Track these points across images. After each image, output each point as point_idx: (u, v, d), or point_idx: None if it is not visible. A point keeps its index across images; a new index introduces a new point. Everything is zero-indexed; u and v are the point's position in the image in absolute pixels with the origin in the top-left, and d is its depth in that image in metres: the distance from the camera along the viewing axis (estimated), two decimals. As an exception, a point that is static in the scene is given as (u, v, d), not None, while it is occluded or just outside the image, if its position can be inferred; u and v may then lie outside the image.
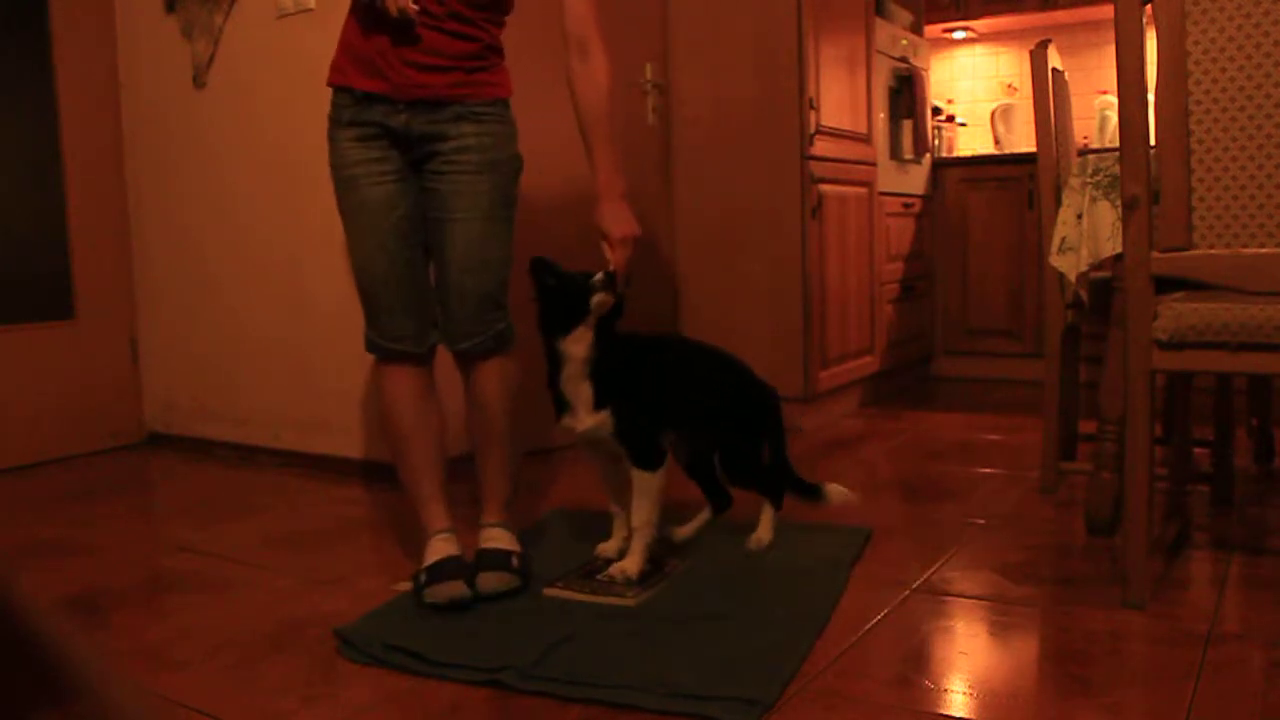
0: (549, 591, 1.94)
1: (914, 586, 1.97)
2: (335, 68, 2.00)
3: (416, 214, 2.00)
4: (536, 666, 1.61)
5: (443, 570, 1.92)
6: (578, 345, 1.95)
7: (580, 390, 1.98)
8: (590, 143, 2.01)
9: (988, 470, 2.90)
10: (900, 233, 4.27)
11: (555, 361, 1.98)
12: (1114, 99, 3.35)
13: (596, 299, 1.91)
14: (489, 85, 2.02)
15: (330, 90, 2.01)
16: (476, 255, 1.99)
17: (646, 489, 2.01)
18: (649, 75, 3.58)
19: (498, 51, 2.05)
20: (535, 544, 2.21)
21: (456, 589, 1.89)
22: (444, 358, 2.09)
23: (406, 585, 2.00)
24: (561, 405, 2.01)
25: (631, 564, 2.00)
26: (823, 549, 2.17)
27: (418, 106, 1.94)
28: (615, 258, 1.96)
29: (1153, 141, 1.76)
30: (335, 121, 1.99)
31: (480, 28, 1.99)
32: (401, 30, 1.90)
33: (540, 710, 1.51)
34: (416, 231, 2.01)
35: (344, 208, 2.01)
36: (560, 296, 1.94)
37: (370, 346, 2.06)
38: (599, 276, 1.93)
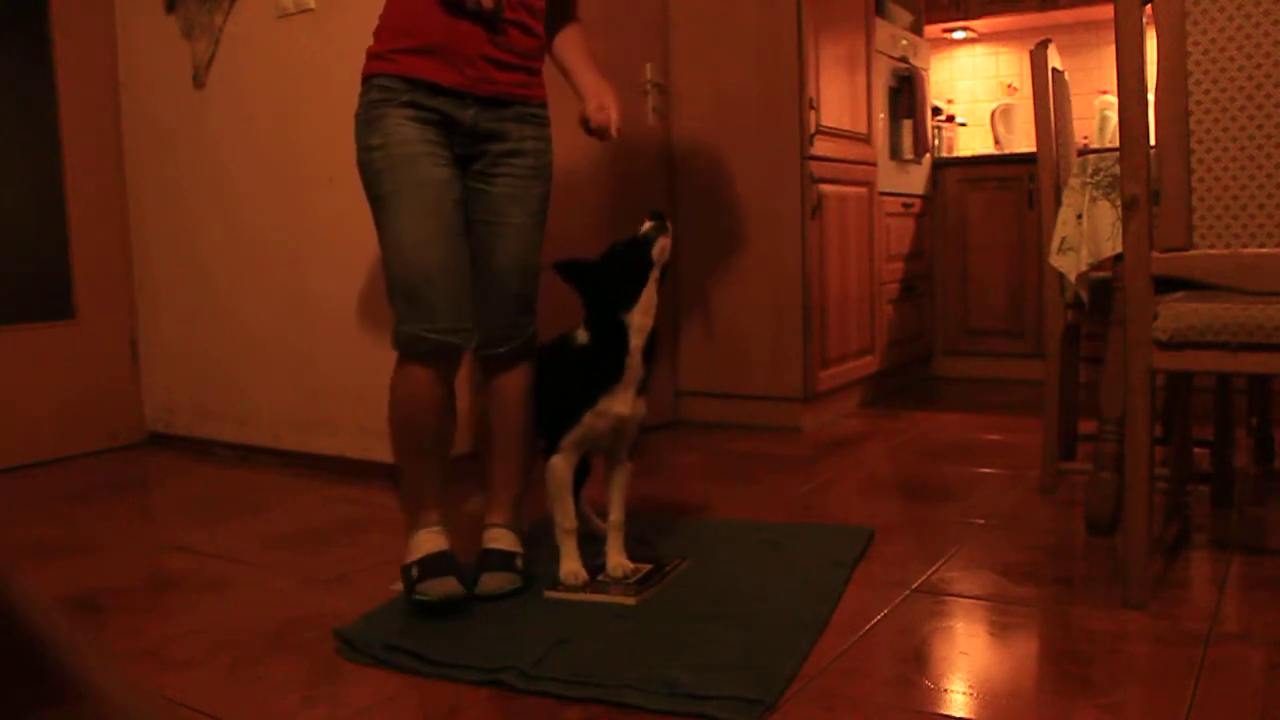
0: (549, 592, 1.94)
1: (914, 586, 1.97)
2: (385, 57, 1.87)
3: (463, 206, 1.94)
4: (537, 667, 1.60)
5: (435, 564, 1.88)
6: (646, 316, 1.91)
7: (636, 370, 1.93)
8: (574, 66, 2.04)
9: (988, 470, 2.90)
10: (900, 233, 4.27)
11: (620, 340, 1.90)
12: (1114, 99, 3.34)
13: (659, 246, 1.91)
14: (540, 86, 2.02)
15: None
16: (524, 259, 1.98)
17: (628, 480, 2.04)
18: (649, 75, 3.58)
19: (546, 51, 2.04)
20: (535, 544, 2.20)
21: (450, 585, 1.85)
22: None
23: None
24: (600, 388, 1.92)
25: (626, 559, 2.02)
26: (825, 548, 2.17)
27: (486, 103, 1.90)
28: (597, 119, 1.99)
29: (1153, 141, 1.76)
30: (384, 102, 1.85)
31: (540, 22, 1.97)
32: (488, 25, 1.85)
33: (541, 710, 1.51)
34: (464, 222, 1.94)
35: (394, 188, 1.84)
36: (623, 260, 1.90)
37: (408, 341, 1.88)
38: (648, 225, 1.92)
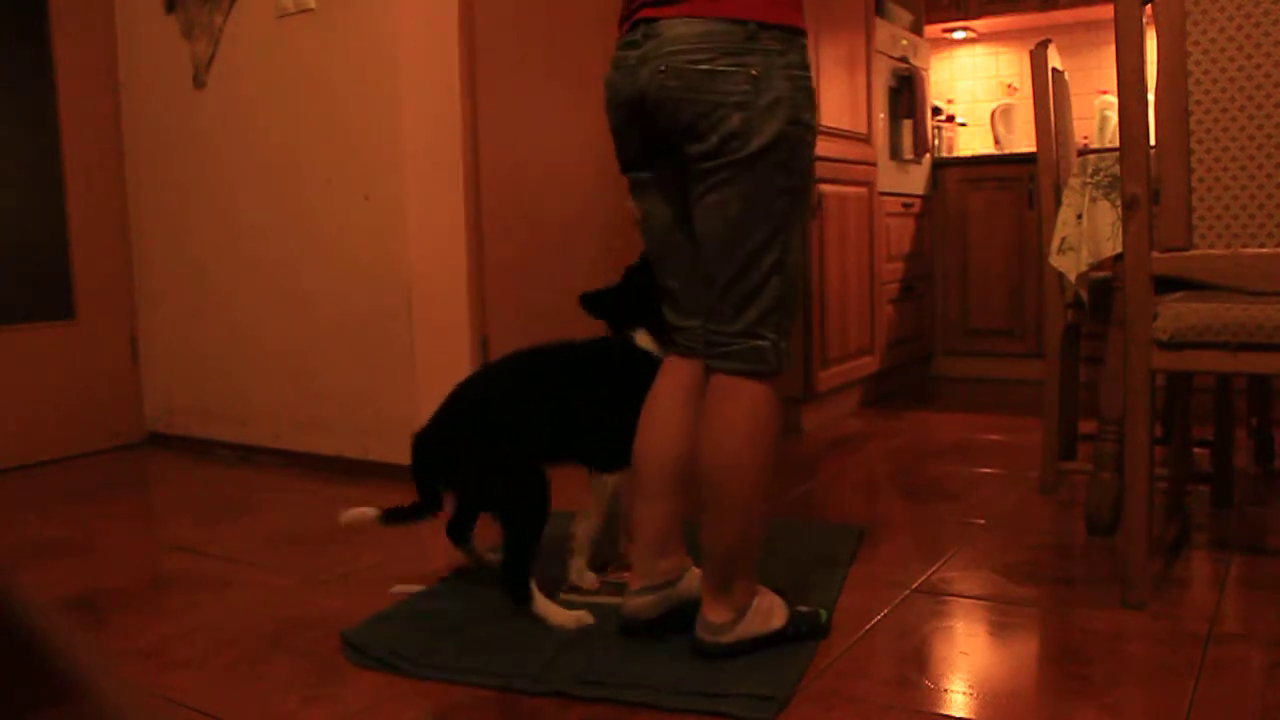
0: (563, 595, 1.94)
1: (914, 586, 1.97)
2: (790, 4, 1.49)
3: None
4: (546, 669, 1.61)
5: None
6: None
7: None
8: None
9: (988, 470, 2.90)
10: (900, 233, 4.27)
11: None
12: (1114, 99, 3.34)
13: None
14: None
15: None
16: None
17: None
18: (649, 75, 3.57)
19: None
20: (540, 547, 2.20)
21: None
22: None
23: (405, 588, 2.00)
24: None
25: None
26: (818, 547, 2.17)
27: None
28: None
29: (1153, 141, 1.77)
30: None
31: None
32: None
33: (546, 710, 1.51)
34: None
35: (809, 200, 1.59)
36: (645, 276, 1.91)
37: (785, 364, 1.62)
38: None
